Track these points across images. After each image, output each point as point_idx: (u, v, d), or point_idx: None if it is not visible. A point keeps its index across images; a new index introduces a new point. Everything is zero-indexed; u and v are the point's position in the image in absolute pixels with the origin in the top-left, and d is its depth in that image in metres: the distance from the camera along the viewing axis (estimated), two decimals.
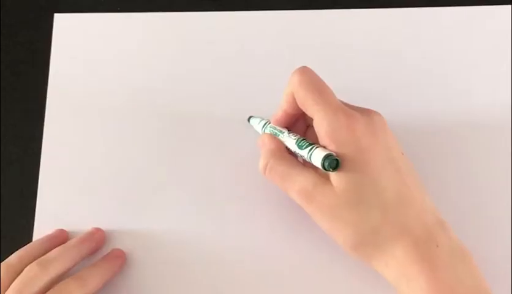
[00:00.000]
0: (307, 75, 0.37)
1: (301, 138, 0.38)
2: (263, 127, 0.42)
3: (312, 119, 0.37)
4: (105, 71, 0.48)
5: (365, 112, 0.37)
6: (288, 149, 0.40)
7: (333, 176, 0.35)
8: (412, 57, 0.47)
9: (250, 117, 0.45)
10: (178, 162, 0.45)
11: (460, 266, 0.34)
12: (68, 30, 0.49)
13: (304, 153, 0.37)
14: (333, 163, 0.34)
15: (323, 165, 0.35)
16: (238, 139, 0.45)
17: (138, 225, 0.43)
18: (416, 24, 0.48)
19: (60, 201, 0.44)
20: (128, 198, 0.44)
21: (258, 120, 0.43)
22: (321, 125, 0.36)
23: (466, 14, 0.48)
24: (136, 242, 0.43)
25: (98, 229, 0.43)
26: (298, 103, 0.38)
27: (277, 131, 0.40)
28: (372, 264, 0.36)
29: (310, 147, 0.37)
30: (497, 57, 0.47)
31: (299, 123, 0.41)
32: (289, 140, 0.39)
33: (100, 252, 0.42)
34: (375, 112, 0.37)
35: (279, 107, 0.40)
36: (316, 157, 0.35)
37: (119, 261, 0.42)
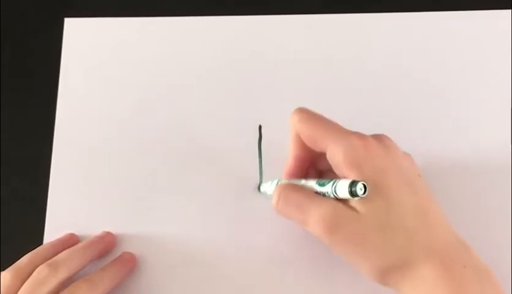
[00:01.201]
0: (305, 111, 0.37)
1: (319, 179, 0.37)
2: (277, 184, 0.40)
3: (323, 163, 0.37)
4: (114, 75, 0.48)
5: (375, 136, 0.37)
6: None
7: (356, 202, 0.34)
8: (411, 62, 0.47)
9: (259, 184, 0.44)
10: (187, 167, 0.45)
11: (487, 286, 0.34)
12: (78, 34, 0.49)
13: (327, 189, 0.35)
14: (361, 188, 0.33)
15: (350, 192, 0.33)
16: (245, 145, 0.45)
17: (148, 228, 0.43)
18: (415, 29, 0.48)
19: (71, 206, 0.44)
20: (138, 203, 0.44)
21: (268, 183, 0.42)
22: (336, 154, 0.35)
23: (467, 18, 0.48)
24: (146, 246, 0.43)
25: (108, 233, 0.43)
26: (306, 142, 0.37)
27: (292, 182, 0.39)
28: (398, 288, 0.35)
29: (333, 181, 0.35)
30: (497, 61, 0.46)
31: (310, 173, 0.40)
32: (308, 183, 0.37)
33: (110, 256, 0.42)
34: (384, 135, 0.37)
35: (289, 156, 0.40)
36: (342, 186, 0.34)
37: (129, 264, 0.42)
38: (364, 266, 0.35)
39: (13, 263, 0.39)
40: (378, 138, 0.36)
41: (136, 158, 0.45)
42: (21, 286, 0.37)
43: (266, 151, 0.43)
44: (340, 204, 0.35)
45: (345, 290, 0.41)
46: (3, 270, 0.38)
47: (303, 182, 0.38)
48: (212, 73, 0.47)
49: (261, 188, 0.43)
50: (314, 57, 0.48)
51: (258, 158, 0.43)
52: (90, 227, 0.43)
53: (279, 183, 0.40)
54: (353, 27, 0.48)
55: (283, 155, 0.43)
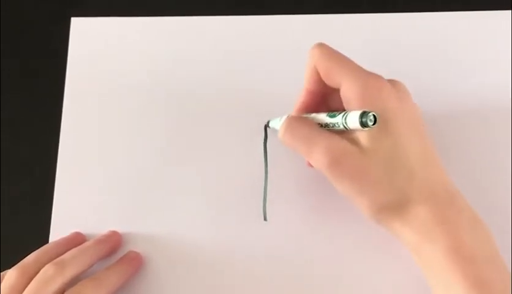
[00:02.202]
0: (326, 47, 0.38)
1: (330, 112, 0.37)
2: None
3: (334, 100, 0.38)
4: (121, 74, 0.48)
5: (391, 80, 0.37)
6: None
7: (363, 136, 0.35)
8: (410, 62, 0.47)
9: (267, 122, 0.44)
10: (193, 166, 0.45)
11: (480, 233, 0.35)
12: (85, 34, 0.49)
13: (337, 120, 0.36)
14: (371, 117, 0.33)
15: (361, 122, 0.33)
16: (251, 144, 0.45)
17: (154, 228, 0.44)
18: (415, 29, 0.48)
19: (77, 205, 0.45)
20: (144, 202, 0.44)
21: (277, 119, 0.42)
22: (351, 89, 0.36)
23: (466, 19, 0.48)
24: (152, 245, 0.43)
25: (114, 232, 0.43)
26: (323, 75, 0.38)
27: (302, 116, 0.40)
28: (393, 227, 0.36)
29: (344, 113, 0.35)
30: (497, 61, 0.46)
31: (321, 110, 0.40)
32: (318, 116, 0.38)
33: (116, 254, 0.43)
34: (400, 81, 0.38)
35: (302, 90, 0.40)
36: (353, 115, 0.34)
37: (135, 263, 0.42)
38: (362, 202, 0.36)
39: (19, 261, 0.39)
40: (394, 82, 0.37)
41: (142, 158, 0.45)
42: (27, 284, 0.37)
43: (271, 151, 0.43)
44: (344, 139, 0.36)
45: (346, 291, 0.41)
46: (10, 268, 0.38)
47: (313, 115, 0.38)
48: (217, 72, 0.47)
49: (270, 124, 0.43)
50: None
51: (263, 158, 0.43)
52: (96, 226, 0.44)
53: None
54: (354, 27, 0.48)
55: (288, 154, 0.44)
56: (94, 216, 0.44)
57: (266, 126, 0.44)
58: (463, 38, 0.47)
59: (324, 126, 0.37)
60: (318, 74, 0.38)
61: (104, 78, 0.48)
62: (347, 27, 0.48)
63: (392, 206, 0.35)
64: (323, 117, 0.37)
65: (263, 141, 0.43)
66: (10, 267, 0.38)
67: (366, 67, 0.46)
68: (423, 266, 0.36)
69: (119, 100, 0.47)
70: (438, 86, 0.46)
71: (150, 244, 0.43)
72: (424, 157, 0.36)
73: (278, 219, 0.43)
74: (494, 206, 0.42)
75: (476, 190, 0.39)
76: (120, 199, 0.44)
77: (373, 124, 0.33)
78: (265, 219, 0.43)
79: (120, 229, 0.43)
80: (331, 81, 0.37)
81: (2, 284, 0.37)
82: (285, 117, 0.40)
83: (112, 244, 0.42)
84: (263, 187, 0.43)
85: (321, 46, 0.38)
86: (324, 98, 0.40)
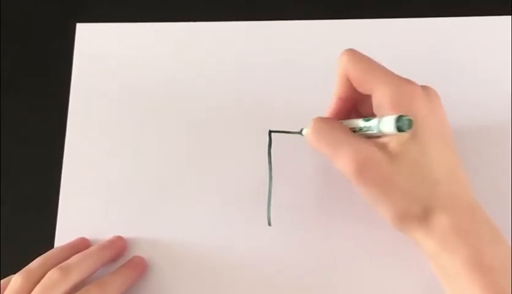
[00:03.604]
0: (356, 53, 0.37)
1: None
2: None
3: (365, 107, 0.38)
4: (126, 79, 0.48)
5: (422, 86, 0.37)
6: None
7: (393, 141, 0.35)
8: (412, 67, 0.46)
9: (301, 130, 0.42)
10: (197, 171, 0.45)
11: (501, 247, 0.34)
12: (90, 39, 0.49)
13: (371, 123, 0.35)
14: (406, 122, 0.33)
15: (396, 126, 0.33)
16: (255, 149, 0.45)
17: (158, 232, 0.44)
18: (417, 35, 0.48)
19: (82, 210, 0.45)
20: (148, 207, 0.44)
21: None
22: (383, 95, 0.35)
23: (467, 24, 0.47)
24: (156, 250, 0.43)
25: (119, 237, 0.43)
26: (354, 82, 0.37)
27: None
28: (414, 236, 0.36)
29: (379, 117, 0.35)
30: (497, 67, 0.46)
31: (352, 117, 0.40)
32: (352, 121, 0.38)
33: (121, 259, 0.43)
34: (431, 87, 0.37)
35: (333, 97, 0.40)
36: (388, 119, 0.34)
37: (140, 268, 0.42)
38: (386, 210, 0.35)
39: (24, 266, 0.39)
40: (426, 88, 0.37)
41: (146, 163, 0.46)
42: (32, 289, 0.37)
43: (275, 157, 0.43)
44: (372, 145, 0.35)
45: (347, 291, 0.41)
46: (15, 273, 0.39)
47: (347, 120, 0.38)
48: (221, 77, 0.48)
49: (303, 132, 0.42)
50: (323, 62, 0.47)
51: (267, 164, 0.43)
52: (101, 231, 0.44)
53: None
54: (360, 32, 0.48)
55: (293, 159, 0.44)
56: (98, 221, 0.44)
57: (270, 131, 0.44)
58: (463, 43, 0.47)
59: (358, 130, 0.37)
60: (349, 81, 0.38)
61: (109, 83, 0.48)
62: (350, 32, 0.48)
63: (416, 216, 0.35)
64: (357, 121, 0.37)
65: (267, 146, 0.43)
66: (13, 273, 0.39)
67: None
68: (441, 275, 0.35)
69: (124, 105, 0.47)
70: (439, 90, 0.46)
71: (154, 249, 0.43)
72: (449, 167, 0.35)
73: (283, 224, 0.43)
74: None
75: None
76: (124, 205, 0.45)
77: (409, 128, 0.33)
78: (269, 224, 0.42)
79: (124, 234, 0.44)
80: (363, 87, 0.37)
81: (7, 289, 0.38)
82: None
83: (117, 249, 0.42)
84: (267, 192, 0.43)
85: (351, 52, 0.37)
86: (355, 105, 0.40)
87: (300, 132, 0.42)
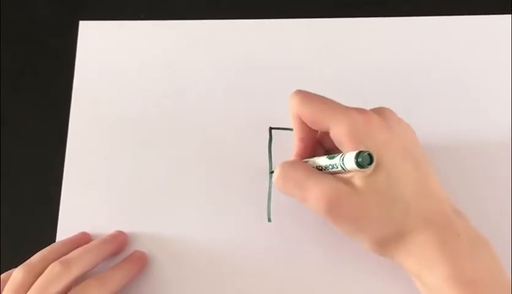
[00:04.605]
0: (303, 93, 0.37)
1: (329, 154, 0.37)
2: None
3: (329, 141, 0.37)
4: (129, 77, 0.48)
5: (375, 109, 0.37)
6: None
7: (358, 175, 0.35)
8: (410, 67, 0.47)
9: (271, 171, 0.43)
10: (197, 168, 0.45)
11: (482, 256, 0.34)
12: (93, 37, 0.50)
13: (335, 161, 0.36)
14: (367, 158, 0.33)
15: (357, 163, 0.33)
16: (255, 146, 0.45)
17: (159, 228, 0.44)
18: (414, 33, 0.48)
19: (83, 205, 0.45)
20: (149, 202, 0.45)
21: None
22: (339, 131, 0.36)
23: (466, 24, 0.48)
24: (157, 244, 0.43)
25: (120, 232, 0.43)
26: (308, 123, 0.37)
27: (295, 160, 0.39)
28: (394, 258, 0.36)
29: (341, 154, 0.35)
30: (497, 66, 0.47)
31: (319, 152, 0.40)
32: (319, 159, 0.38)
33: (121, 254, 0.43)
34: (385, 108, 0.37)
35: (294, 139, 0.40)
36: (349, 157, 0.34)
37: (140, 262, 0.42)
38: (362, 238, 0.36)
39: (26, 260, 0.39)
40: (379, 111, 0.37)
41: (148, 159, 0.46)
42: (33, 283, 0.37)
43: (275, 153, 0.43)
44: (339, 181, 0.35)
45: (349, 291, 0.42)
46: (15, 267, 0.39)
47: (314, 159, 0.38)
48: (223, 75, 0.48)
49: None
50: (322, 60, 0.48)
51: (268, 160, 0.43)
52: (103, 226, 0.44)
53: None
54: (359, 31, 0.48)
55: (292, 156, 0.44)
56: (100, 216, 0.44)
57: (271, 128, 0.44)
58: (462, 42, 0.47)
59: (324, 168, 0.37)
60: (303, 123, 0.38)
61: (112, 80, 0.48)
62: (350, 31, 0.49)
63: (391, 238, 0.35)
64: (323, 159, 0.37)
65: (267, 142, 0.43)
66: (15, 267, 0.39)
67: (372, 69, 0.47)
68: (426, 293, 0.35)
69: (127, 102, 0.48)
70: (436, 90, 0.46)
71: (155, 243, 0.43)
72: (418, 186, 0.35)
73: (283, 220, 0.43)
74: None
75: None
76: (125, 200, 0.45)
77: (369, 163, 0.33)
78: (269, 220, 0.43)
79: (125, 229, 0.44)
80: (318, 126, 0.37)
81: (8, 283, 0.38)
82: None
83: (118, 243, 0.42)
84: (267, 188, 0.43)
85: (299, 93, 0.37)
86: (319, 140, 0.40)
87: (271, 173, 0.42)
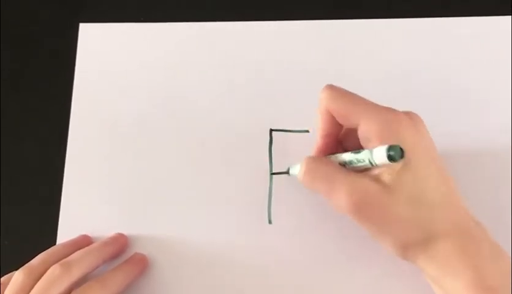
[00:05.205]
0: (335, 88, 0.38)
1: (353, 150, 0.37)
2: None
3: (351, 140, 0.38)
4: (129, 80, 0.48)
5: (405, 112, 0.37)
6: None
7: (386, 172, 0.35)
8: (410, 68, 0.47)
9: (288, 169, 0.43)
10: (197, 170, 0.45)
11: (502, 264, 0.34)
12: (93, 39, 0.50)
13: (362, 156, 0.35)
14: (398, 151, 0.33)
15: (388, 156, 0.33)
16: (255, 148, 0.45)
17: (160, 230, 0.44)
18: (415, 35, 0.48)
19: (84, 207, 0.45)
20: (150, 204, 0.45)
21: (297, 165, 0.40)
22: (369, 127, 0.36)
23: (466, 24, 0.48)
24: (157, 247, 0.43)
25: (120, 234, 0.43)
26: (337, 117, 0.37)
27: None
28: (417, 262, 0.36)
29: (369, 149, 0.35)
30: (497, 67, 0.47)
31: (339, 151, 0.40)
32: (342, 155, 0.37)
33: (122, 256, 0.43)
34: (414, 113, 0.37)
35: (318, 135, 0.39)
36: (379, 150, 0.34)
37: (141, 264, 0.42)
38: (387, 241, 0.36)
39: (26, 260, 0.39)
40: (409, 114, 0.37)
41: (148, 161, 0.46)
42: (34, 285, 0.37)
43: (276, 155, 0.43)
44: (367, 178, 0.35)
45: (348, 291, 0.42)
46: (17, 270, 0.39)
47: (335, 155, 0.38)
48: (223, 77, 0.48)
49: (291, 172, 0.42)
50: (323, 62, 0.48)
51: (268, 162, 0.43)
52: (103, 229, 0.44)
53: None
54: (360, 32, 0.48)
55: (293, 158, 0.44)
56: (100, 219, 0.44)
57: (271, 130, 0.44)
58: (462, 43, 0.47)
59: (348, 164, 0.37)
60: (332, 117, 0.38)
61: (112, 82, 0.48)
62: (349, 32, 0.48)
63: (416, 243, 0.35)
64: (347, 154, 0.37)
65: (268, 144, 0.43)
66: (16, 267, 0.39)
67: (374, 70, 0.47)
68: None
69: (127, 104, 0.48)
70: (435, 90, 0.46)
71: (155, 245, 0.43)
72: (444, 190, 0.35)
73: (283, 222, 0.43)
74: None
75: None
76: (126, 202, 0.45)
77: (401, 157, 0.33)
78: (270, 222, 0.43)
79: (126, 231, 0.44)
80: (348, 122, 0.37)
81: (9, 285, 0.38)
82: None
83: (119, 245, 0.42)
84: (267, 190, 0.43)
85: (330, 88, 0.38)
86: (341, 139, 0.40)
87: (287, 172, 0.42)
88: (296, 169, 0.40)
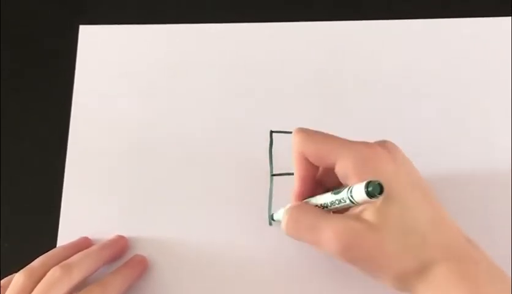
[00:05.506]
0: (307, 130, 0.37)
1: (333, 190, 0.36)
2: None
3: (329, 179, 0.37)
4: (128, 82, 0.48)
5: (379, 143, 0.37)
6: None
7: (369, 210, 0.34)
8: (410, 69, 0.47)
9: (271, 216, 0.43)
10: (197, 172, 0.45)
11: (500, 285, 0.34)
12: (93, 42, 0.50)
13: (342, 195, 0.34)
14: (377, 187, 0.32)
15: (367, 193, 0.32)
16: (255, 150, 0.45)
17: (160, 232, 0.44)
18: (415, 35, 0.48)
19: (84, 210, 0.45)
20: (150, 207, 0.45)
21: (281, 211, 0.40)
22: (346, 165, 0.35)
23: (466, 25, 0.48)
24: (157, 249, 0.43)
25: (120, 237, 0.43)
26: (312, 159, 0.37)
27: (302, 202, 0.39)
28: (416, 291, 0.35)
29: (348, 187, 0.34)
30: (497, 68, 0.47)
31: (318, 192, 0.39)
32: (322, 196, 0.37)
33: (122, 258, 0.43)
34: (387, 141, 0.37)
35: (295, 179, 0.39)
36: (357, 189, 0.33)
37: (141, 266, 0.42)
38: (383, 276, 0.35)
39: (26, 260, 0.39)
40: (383, 144, 0.36)
41: (148, 161, 0.46)
42: (34, 287, 0.37)
43: (276, 156, 0.43)
44: (351, 219, 0.34)
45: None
46: (17, 272, 0.39)
47: (314, 198, 0.38)
48: (224, 78, 0.48)
49: (275, 217, 0.43)
50: (323, 62, 0.48)
51: (269, 163, 0.43)
52: (103, 231, 0.44)
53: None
54: (360, 34, 0.48)
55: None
56: (100, 221, 0.44)
57: (272, 132, 0.44)
58: (463, 44, 0.47)
59: (330, 205, 0.36)
60: (307, 160, 0.37)
61: (112, 84, 0.48)
62: (349, 33, 0.48)
63: (412, 273, 0.34)
64: (327, 196, 0.36)
65: (268, 146, 0.43)
66: (15, 268, 0.39)
67: (369, 73, 0.47)
68: None
69: (127, 106, 0.48)
70: (435, 90, 0.46)
71: (155, 246, 0.43)
72: (432, 216, 0.35)
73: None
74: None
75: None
76: (126, 205, 0.45)
77: (380, 192, 0.32)
78: (270, 224, 0.43)
79: (126, 233, 0.44)
80: (324, 163, 0.37)
81: (9, 287, 0.38)
82: (287, 206, 0.39)
83: (119, 248, 0.43)
84: (268, 192, 0.43)
85: (302, 131, 0.37)
86: (319, 180, 0.40)
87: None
88: (279, 215, 0.40)
